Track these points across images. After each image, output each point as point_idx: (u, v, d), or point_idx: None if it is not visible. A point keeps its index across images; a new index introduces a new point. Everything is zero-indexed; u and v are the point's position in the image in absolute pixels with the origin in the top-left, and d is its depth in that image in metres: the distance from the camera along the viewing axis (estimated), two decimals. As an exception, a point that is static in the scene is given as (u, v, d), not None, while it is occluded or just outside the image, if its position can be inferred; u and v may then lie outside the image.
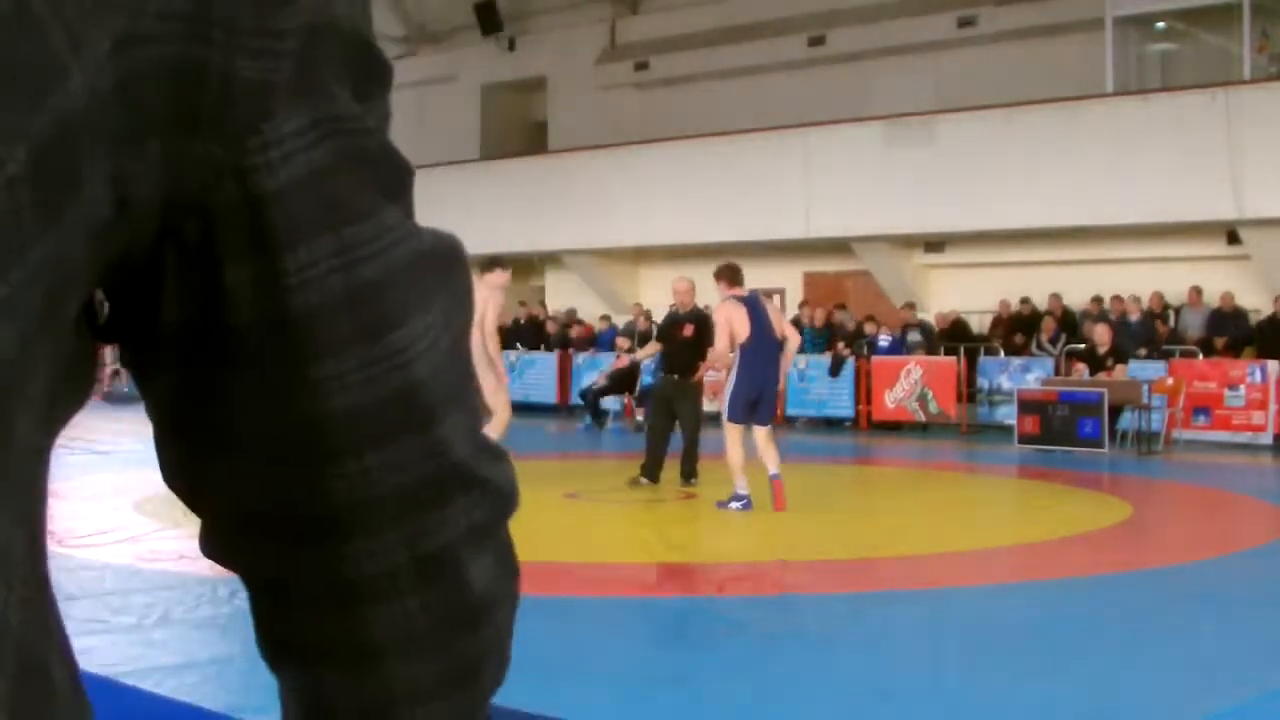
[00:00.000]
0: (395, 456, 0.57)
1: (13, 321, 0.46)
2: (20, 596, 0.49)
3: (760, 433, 9.63)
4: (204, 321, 0.54)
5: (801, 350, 12.48)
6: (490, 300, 10.20)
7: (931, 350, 18.28)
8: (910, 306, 19.07)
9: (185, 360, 0.55)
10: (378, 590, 0.59)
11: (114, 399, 22.78)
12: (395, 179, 0.57)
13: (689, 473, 10.90)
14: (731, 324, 9.49)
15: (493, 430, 9.66)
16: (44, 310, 0.47)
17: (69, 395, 0.54)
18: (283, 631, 0.62)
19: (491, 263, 10.78)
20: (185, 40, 0.48)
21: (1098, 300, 17.95)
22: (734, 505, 9.61)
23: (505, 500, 0.63)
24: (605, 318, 21.55)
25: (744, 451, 9.47)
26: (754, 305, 9.68)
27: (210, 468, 0.58)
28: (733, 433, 9.50)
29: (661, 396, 11.21)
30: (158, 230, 0.52)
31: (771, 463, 9.51)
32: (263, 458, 0.57)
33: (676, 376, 10.93)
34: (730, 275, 9.80)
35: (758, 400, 9.57)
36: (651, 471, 10.85)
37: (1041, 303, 18.64)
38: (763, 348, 9.57)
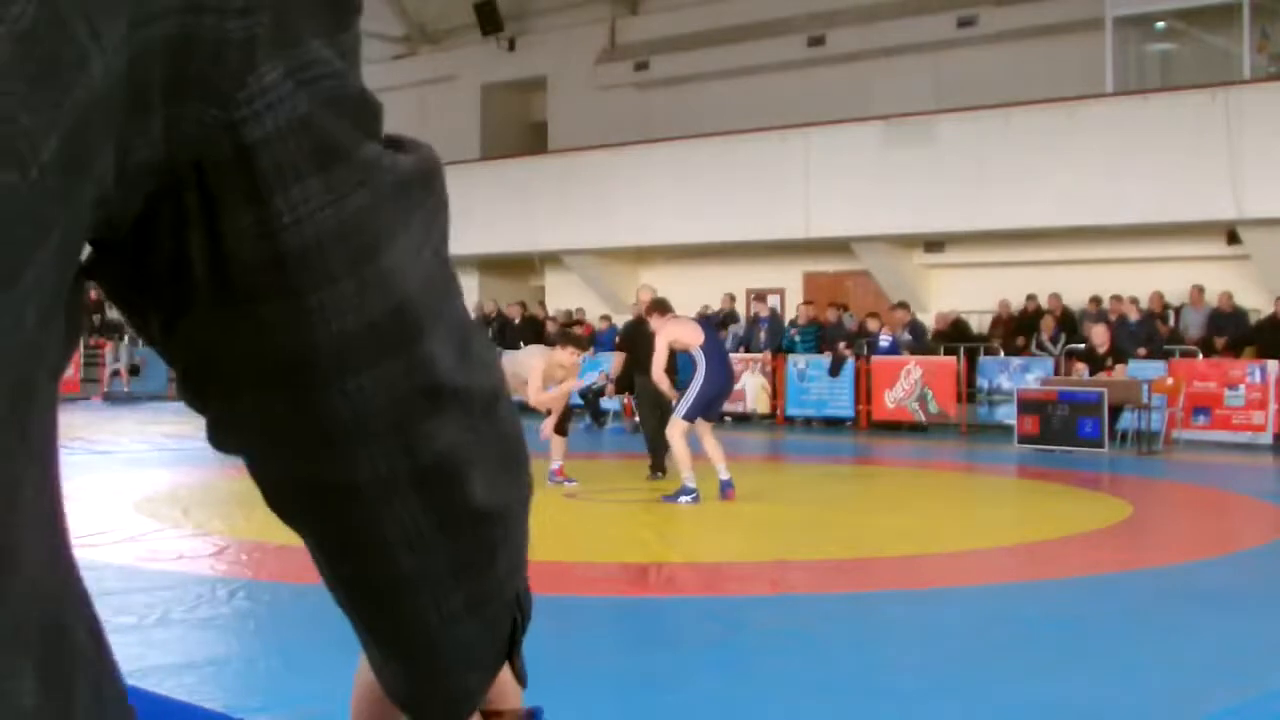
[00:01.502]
0: (389, 371, 0.61)
1: (40, 301, 0.48)
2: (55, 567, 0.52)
3: (706, 427, 10.08)
4: (209, 268, 0.57)
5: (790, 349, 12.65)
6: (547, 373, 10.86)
7: (925, 350, 18.27)
8: (904, 307, 19.02)
9: (191, 304, 0.58)
10: (383, 493, 0.64)
11: (114, 399, 22.79)
12: (369, 115, 0.60)
13: (660, 465, 11.58)
14: (678, 339, 10.20)
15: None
16: (60, 286, 0.50)
17: (68, 348, 0.55)
18: (293, 510, 0.67)
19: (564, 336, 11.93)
20: (182, 12, 0.51)
21: (1096, 300, 17.96)
22: (684, 499, 9.85)
23: (491, 402, 0.66)
24: (605, 318, 21.55)
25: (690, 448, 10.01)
26: (694, 318, 10.74)
27: (224, 398, 0.62)
28: (684, 430, 9.93)
29: (647, 395, 11.69)
30: (156, 191, 0.55)
31: (721, 464, 10.00)
32: (271, 383, 0.60)
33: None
34: (660, 308, 10.59)
35: (717, 398, 10.18)
36: (661, 465, 11.49)
37: (1042, 303, 18.64)
38: (719, 350, 10.38)
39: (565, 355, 10.98)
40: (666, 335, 10.28)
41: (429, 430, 0.64)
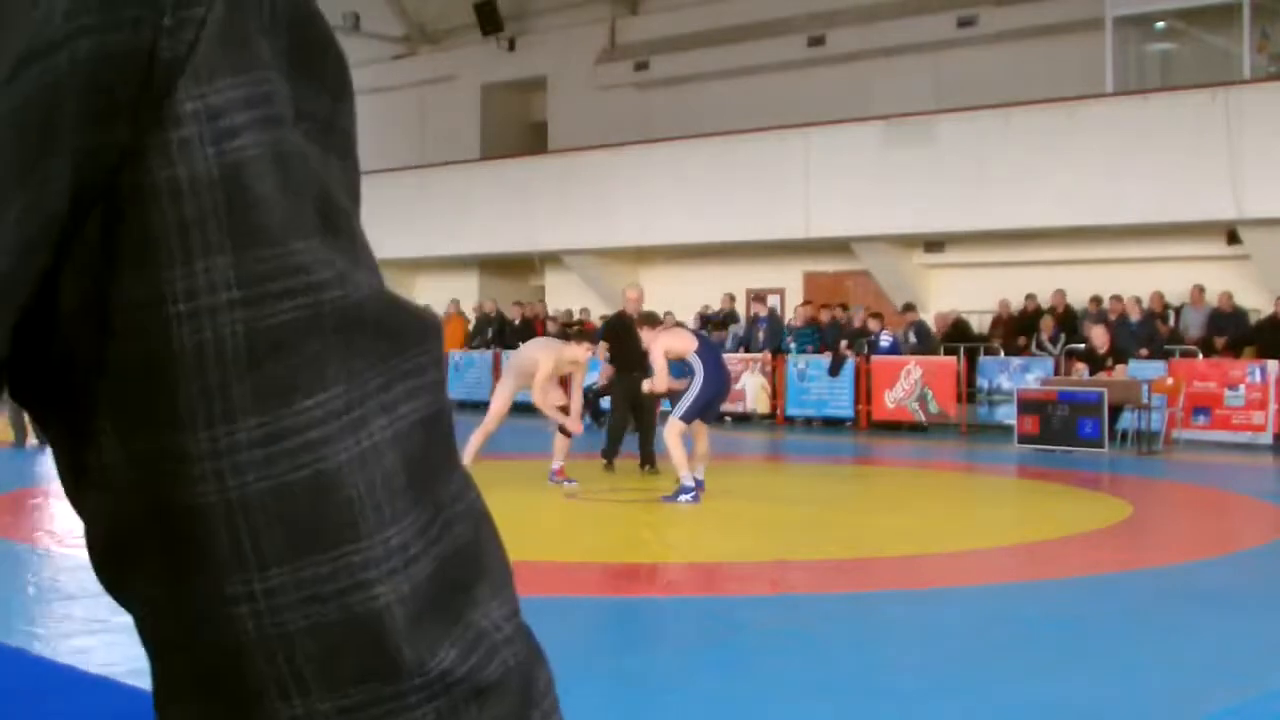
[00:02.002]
0: (310, 579, 0.45)
1: None
2: None
3: (703, 430, 10.28)
4: (85, 352, 0.44)
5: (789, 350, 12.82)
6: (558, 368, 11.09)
7: (928, 352, 18.27)
8: (911, 309, 19.04)
9: (63, 402, 0.46)
10: None
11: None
12: (328, 204, 0.45)
13: (650, 460, 11.90)
14: (672, 348, 10.38)
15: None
16: None
17: None
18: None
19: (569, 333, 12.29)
20: (100, 31, 0.41)
21: (1096, 300, 17.96)
22: (683, 498, 9.89)
23: (476, 695, 0.47)
24: (605, 317, 21.54)
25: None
26: (685, 325, 11.29)
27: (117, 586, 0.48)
28: (681, 431, 10.03)
29: (625, 393, 12.12)
30: (60, 242, 0.43)
31: (702, 465, 10.24)
32: (140, 550, 0.45)
33: (636, 374, 11.73)
34: (650, 321, 11.09)
35: (714, 400, 10.36)
36: (611, 455, 12.08)
37: (1043, 302, 18.64)
38: (714, 354, 10.59)
39: (578, 350, 11.14)
40: (660, 347, 10.46)
41: (355, 700, 0.45)
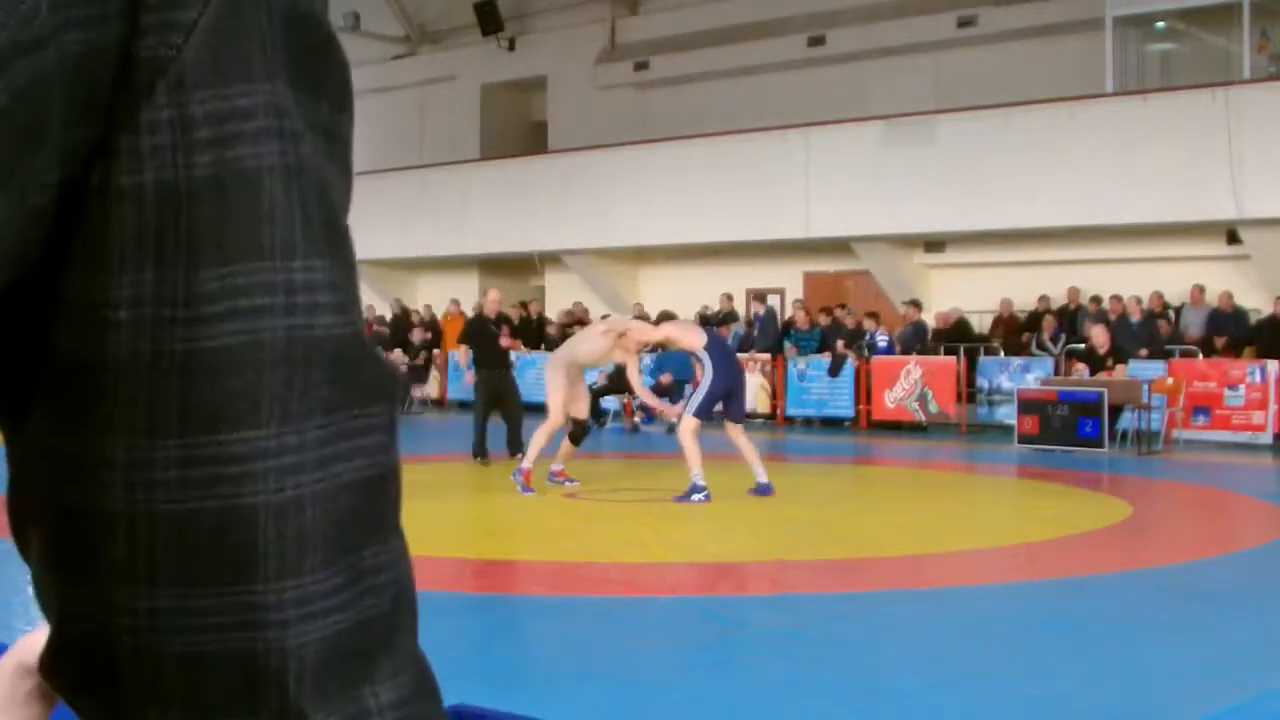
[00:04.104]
0: (191, 605, 0.43)
1: None
2: None
3: (735, 429, 10.29)
4: (30, 343, 0.44)
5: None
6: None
7: (924, 350, 18.28)
8: (915, 305, 19.05)
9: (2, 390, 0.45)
10: None
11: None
12: (324, 225, 0.44)
13: (519, 447, 12.20)
14: (683, 339, 10.50)
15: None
16: None
17: None
18: None
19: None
20: (85, 25, 0.40)
21: (1096, 300, 17.97)
22: (695, 498, 9.88)
23: None
24: (605, 318, 21.55)
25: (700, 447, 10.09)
26: (695, 322, 11.62)
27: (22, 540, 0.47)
28: (694, 428, 10.03)
29: (487, 391, 12.96)
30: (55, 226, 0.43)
31: (756, 465, 10.25)
32: (49, 559, 0.45)
33: (500, 370, 13.14)
34: (668, 319, 11.44)
35: (728, 396, 10.24)
36: (481, 453, 12.86)
37: (1051, 303, 18.65)
38: (723, 348, 10.58)
39: (633, 322, 11.51)
40: (664, 331, 10.69)
41: None
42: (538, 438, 10.64)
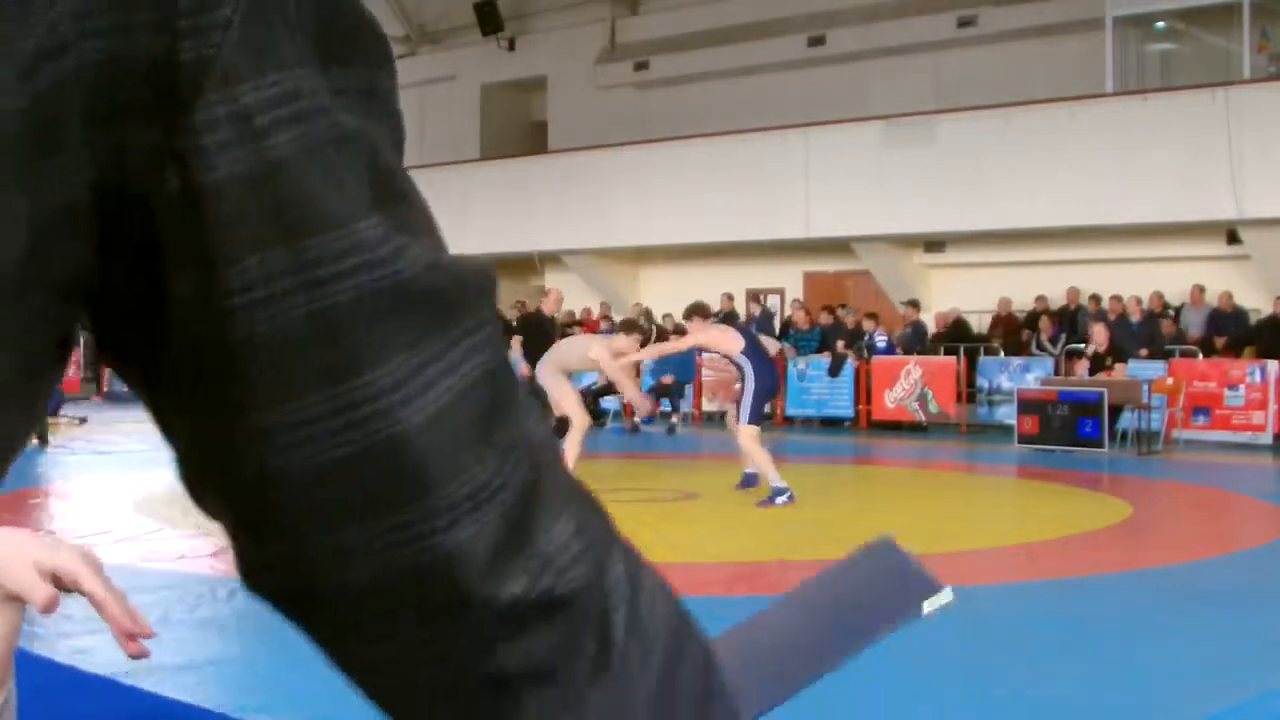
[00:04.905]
0: (382, 534, 0.48)
1: None
2: None
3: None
4: (152, 339, 0.47)
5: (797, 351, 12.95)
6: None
7: (922, 350, 18.28)
8: (914, 305, 19.06)
9: (144, 380, 0.49)
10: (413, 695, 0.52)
11: (114, 398, 22.77)
12: (378, 181, 0.47)
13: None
14: (722, 344, 10.35)
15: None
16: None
17: (22, 431, 0.49)
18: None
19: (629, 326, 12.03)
20: (107, 34, 0.43)
21: (1095, 299, 17.98)
22: (779, 500, 9.83)
23: (554, 609, 0.50)
24: (606, 318, 21.56)
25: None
26: (730, 323, 11.04)
27: (204, 504, 0.52)
28: (754, 434, 10.02)
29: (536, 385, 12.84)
30: (104, 240, 0.46)
31: (770, 472, 10.06)
32: (240, 514, 0.49)
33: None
34: (701, 312, 10.86)
35: (768, 397, 10.36)
36: None
37: (1050, 304, 18.66)
38: (759, 351, 10.43)
39: (624, 341, 11.24)
40: (702, 339, 10.56)
41: (434, 636, 0.50)
42: (571, 447, 10.59)
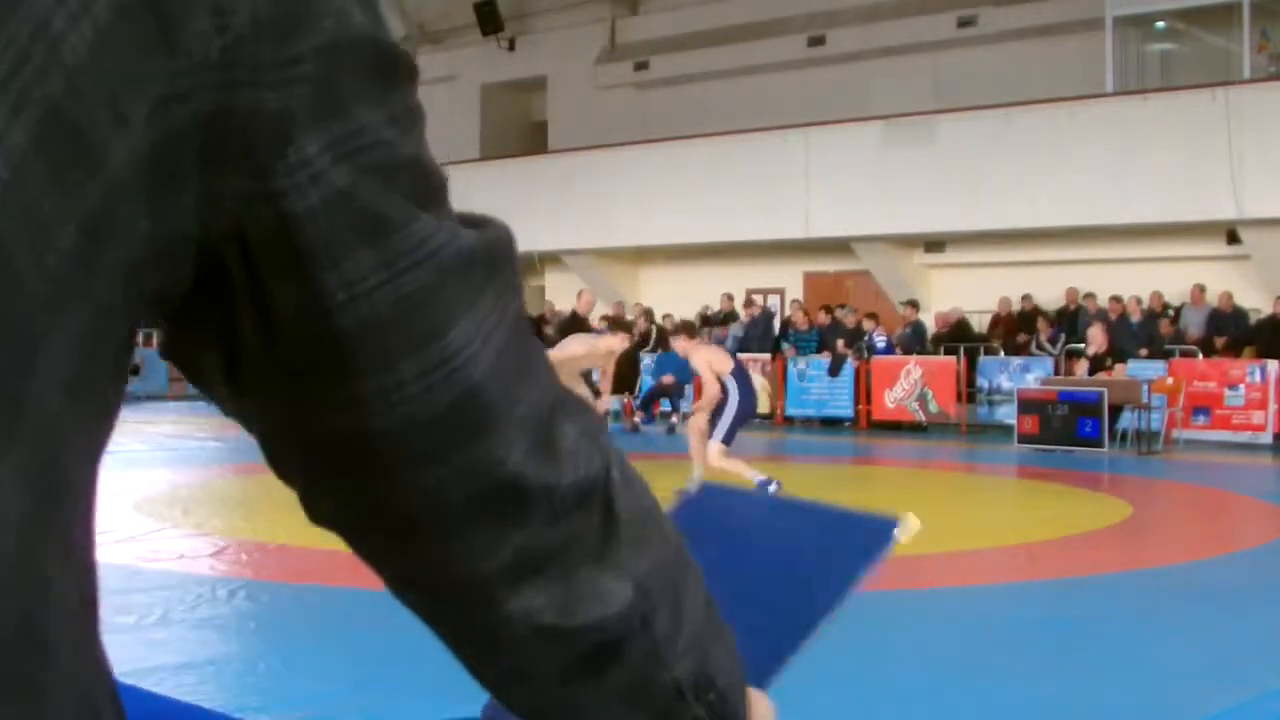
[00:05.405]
0: (463, 466, 0.60)
1: (58, 378, 0.49)
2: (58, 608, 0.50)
3: (715, 448, 10.27)
4: (261, 347, 0.57)
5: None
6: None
7: (922, 350, 18.28)
8: (913, 305, 19.06)
9: (248, 382, 0.58)
10: (478, 592, 0.63)
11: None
12: (426, 184, 0.59)
13: None
14: (714, 364, 10.38)
15: None
16: (86, 367, 0.50)
17: (104, 427, 0.55)
18: (398, 595, 0.66)
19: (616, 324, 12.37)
20: (216, 88, 0.51)
21: (1091, 297, 17.99)
22: (771, 490, 9.81)
23: (586, 493, 0.64)
24: (605, 318, 21.54)
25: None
26: (729, 324, 10.86)
27: (297, 476, 0.62)
28: (723, 451, 10.11)
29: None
30: (202, 265, 0.55)
31: (700, 470, 10.15)
32: (338, 469, 0.60)
33: None
34: (689, 330, 11.11)
35: (745, 421, 10.40)
36: None
37: (1043, 303, 18.65)
38: (745, 374, 10.63)
39: (614, 341, 11.30)
40: (703, 356, 10.51)
41: (510, 531, 0.62)
42: None
